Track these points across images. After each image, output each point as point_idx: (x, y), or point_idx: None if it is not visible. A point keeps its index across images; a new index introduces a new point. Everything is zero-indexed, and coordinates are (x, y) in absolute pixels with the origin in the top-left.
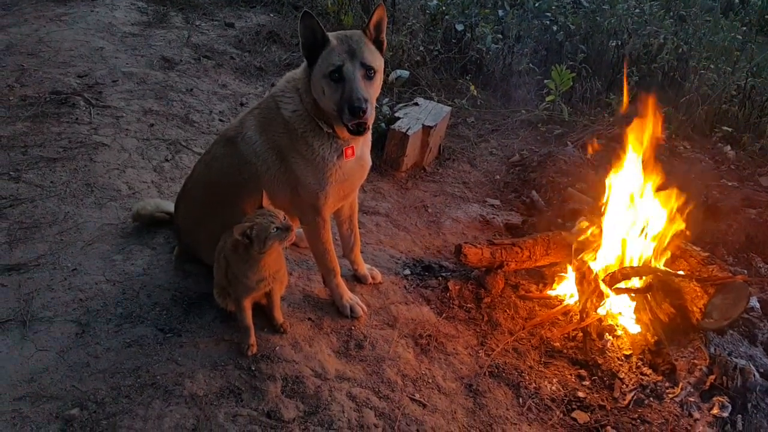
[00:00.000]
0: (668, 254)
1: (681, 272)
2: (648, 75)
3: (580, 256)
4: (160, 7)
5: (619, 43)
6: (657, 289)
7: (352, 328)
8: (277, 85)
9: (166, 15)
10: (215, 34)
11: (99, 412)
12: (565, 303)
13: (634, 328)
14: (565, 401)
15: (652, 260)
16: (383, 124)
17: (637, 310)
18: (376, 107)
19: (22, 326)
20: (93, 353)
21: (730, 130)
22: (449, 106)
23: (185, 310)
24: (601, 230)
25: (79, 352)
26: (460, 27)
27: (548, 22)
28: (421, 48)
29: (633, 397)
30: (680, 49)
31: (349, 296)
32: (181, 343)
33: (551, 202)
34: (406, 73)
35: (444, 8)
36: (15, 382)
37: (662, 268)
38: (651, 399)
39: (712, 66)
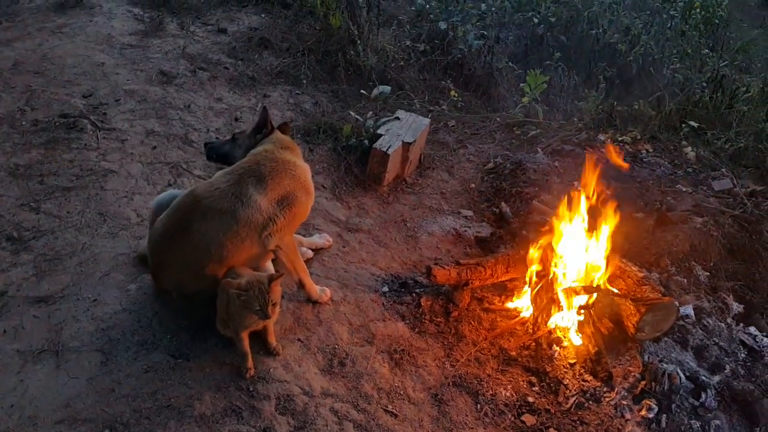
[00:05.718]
0: (608, 273)
1: (616, 291)
2: (624, 67)
3: (534, 271)
4: (155, 13)
5: (599, 31)
6: (598, 305)
7: (336, 346)
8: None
9: (162, 22)
10: (209, 41)
11: None
12: (522, 315)
13: (579, 340)
14: (517, 406)
15: (596, 279)
16: (366, 141)
17: (581, 324)
18: (361, 121)
19: (55, 356)
20: (116, 379)
21: (695, 125)
22: (431, 111)
23: (192, 337)
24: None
25: (104, 379)
26: (443, 25)
27: (531, 14)
28: (408, 42)
29: (575, 401)
30: (650, 44)
31: (317, 287)
32: (190, 368)
33: (518, 213)
34: (388, 89)
35: (428, 6)
36: (54, 407)
37: (603, 287)
38: (590, 402)
39: (683, 61)
